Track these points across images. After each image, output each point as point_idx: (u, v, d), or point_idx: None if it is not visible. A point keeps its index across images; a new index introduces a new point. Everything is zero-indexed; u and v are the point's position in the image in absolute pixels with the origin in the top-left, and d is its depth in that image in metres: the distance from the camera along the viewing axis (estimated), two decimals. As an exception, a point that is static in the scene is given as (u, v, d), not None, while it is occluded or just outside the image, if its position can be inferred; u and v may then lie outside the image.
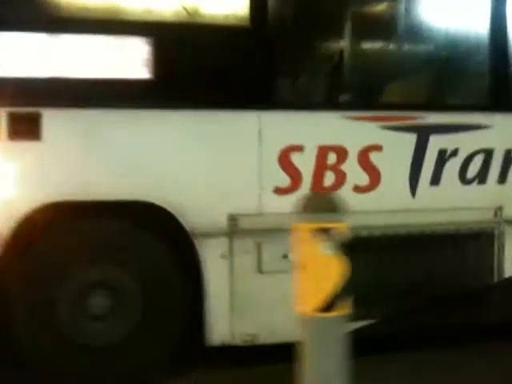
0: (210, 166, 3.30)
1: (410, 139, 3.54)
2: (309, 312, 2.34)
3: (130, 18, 3.26)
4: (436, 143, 3.58)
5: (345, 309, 2.36)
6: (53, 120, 3.08)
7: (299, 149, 3.39)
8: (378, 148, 3.47)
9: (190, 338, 3.36)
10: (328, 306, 2.30)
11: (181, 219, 3.23)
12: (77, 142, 3.12)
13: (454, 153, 3.62)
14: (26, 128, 3.04)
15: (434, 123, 3.57)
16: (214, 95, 3.29)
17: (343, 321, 2.38)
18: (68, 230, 3.17)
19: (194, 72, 3.28)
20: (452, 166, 3.63)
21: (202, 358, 3.44)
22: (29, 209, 3.03)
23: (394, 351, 3.67)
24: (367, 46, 3.63)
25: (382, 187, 3.50)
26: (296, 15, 3.46)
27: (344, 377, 2.39)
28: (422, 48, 3.88)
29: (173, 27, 3.30)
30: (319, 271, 2.30)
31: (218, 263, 3.31)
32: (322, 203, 2.46)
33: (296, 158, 3.38)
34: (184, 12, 3.26)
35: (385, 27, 3.66)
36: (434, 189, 3.61)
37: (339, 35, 3.53)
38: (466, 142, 3.65)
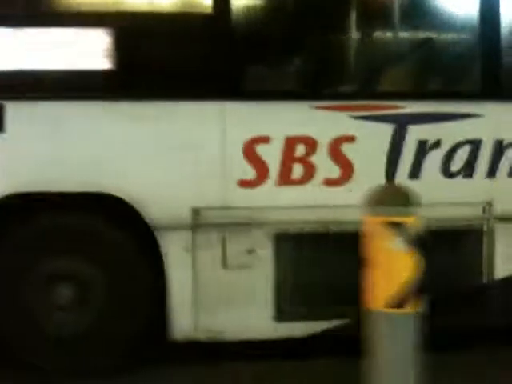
0: (173, 159, 3.25)
1: (386, 130, 3.36)
2: (379, 308, 2.27)
3: (89, 8, 3.27)
4: (415, 134, 3.39)
5: (417, 305, 2.28)
6: (15, 112, 3.13)
7: (265, 140, 3.28)
8: (350, 139, 3.33)
9: (154, 331, 3.34)
10: (400, 302, 2.24)
11: (142, 212, 3.19)
12: (39, 133, 3.16)
13: (436, 144, 3.42)
14: None
15: (411, 112, 3.38)
16: (177, 86, 3.24)
17: (416, 317, 2.30)
18: (30, 220, 3.23)
19: (155, 62, 3.25)
20: (434, 159, 3.43)
21: (167, 352, 3.42)
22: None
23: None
24: (336, 31, 3.45)
25: (354, 180, 3.36)
26: (260, 2, 3.37)
27: (415, 373, 2.32)
28: (401, 30, 3.61)
29: (133, 16, 3.28)
30: (391, 266, 2.24)
31: (181, 256, 3.26)
32: (393, 196, 2.37)
33: (261, 150, 3.27)
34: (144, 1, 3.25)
35: (356, 10, 3.48)
36: (413, 183, 3.41)
37: (305, 21, 3.38)
38: (451, 133, 3.44)
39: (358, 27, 3.39)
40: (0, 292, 3.22)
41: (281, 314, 3.34)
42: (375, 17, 3.48)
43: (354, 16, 3.36)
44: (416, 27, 3.60)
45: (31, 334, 3.25)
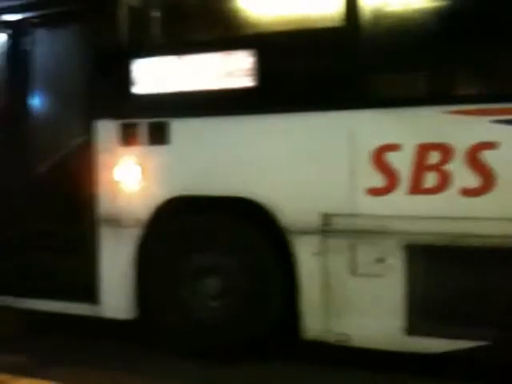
0: (305, 166, 3.39)
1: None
2: None
3: (234, 34, 3.66)
4: None
5: None
6: (178, 127, 3.66)
7: (395, 148, 3.20)
8: (490, 146, 3.01)
9: (287, 327, 3.54)
10: None
11: (277, 215, 3.44)
12: (195, 145, 3.63)
13: None
14: (159, 134, 3.72)
15: None
16: (307, 97, 3.38)
17: None
18: (186, 220, 3.74)
19: (287, 76, 3.42)
20: None
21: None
22: (161, 200, 3.70)
23: None
24: (471, 30, 3.12)
25: (496, 191, 3.04)
26: (387, 8, 3.26)
27: None
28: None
29: (267, 36, 3.52)
30: None
31: (311, 261, 3.39)
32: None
33: (392, 158, 3.21)
34: (280, 21, 3.46)
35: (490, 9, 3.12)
36: None
37: (436, 23, 3.15)
38: None
39: (495, 25, 3.06)
40: (156, 285, 3.82)
41: (411, 328, 3.21)
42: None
43: (489, 15, 3.04)
44: None
45: (181, 322, 3.77)
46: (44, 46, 4.14)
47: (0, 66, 4.25)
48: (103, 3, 3.86)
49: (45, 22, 4.10)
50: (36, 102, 4.23)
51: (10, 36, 4.22)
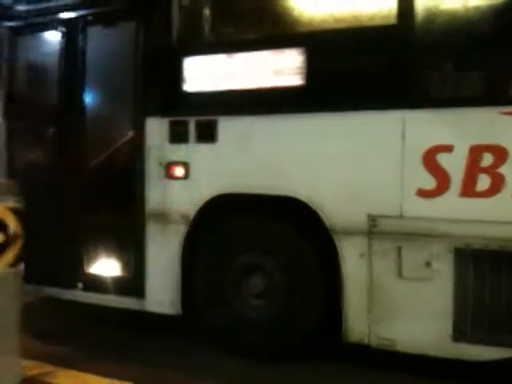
0: (352, 166, 3.36)
1: None
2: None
3: (284, 32, 3.63)
4: None
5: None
6: (225, 126, 3.68)
7: (447, 149, 3.12)
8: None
9: (329, 329, 3.51)
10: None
11: (322, 215, 3.41)
12: (242, 143, 3.64)
13: None
14: (206, 132, 3.75)
15: None
16: (357, 96, 3.33)
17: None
18: (232, 217, 3.75)
19: (337, 74, 3.38)
20: None
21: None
22: (207, 197, 3.73)
23: None
24: None
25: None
26: (442, 7, 3.17)
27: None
28: None
29: (321, 35, 3.48)
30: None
31: (357, 262, 3.35)
32: None
33: (443, 159, 3.13)
34: (331, 19, 3.42)
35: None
36: None
37: (490, 24, 3.06)
38: None
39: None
40: (201, 281, 3.85)
41: (459, 334, 3.14)
42: None
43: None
44: None
45: (224, 319, 3.79)
46: (97, 44, 4.21)
47: (54, 63, 4.37)
48: (156, 2, 3.92)
49: (98, 20, 4.18)
50: (88, 98, 4.30)
51: (63, 34, 4.33)
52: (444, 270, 3.16)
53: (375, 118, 3.30)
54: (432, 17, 3.19)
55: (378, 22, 3.32)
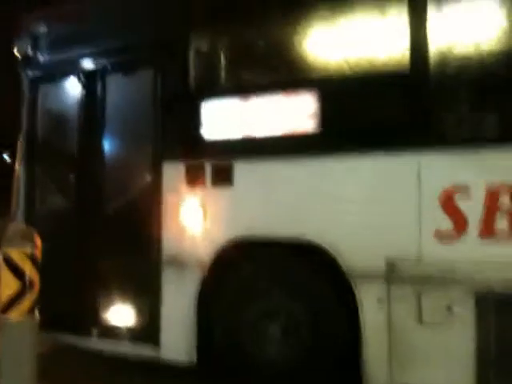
0: (369, 209, 3.33)
1: None
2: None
3: (298, 77, 3.66)
4: None
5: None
6: (241, 170, 3.70)
7: (464, 190, 3.09)
8: None
9: (351, 376, 3.40)
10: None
11: (339, 259, 3.36)
12: (258, 187, 3.64)
13: None
14: (222, 176, 3.76)
15: None
16: (372, 139, 3.33)
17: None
18: (248, 262, 3.70)
19: (351, 118, 3.40)
20: None
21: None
22: (223, 242, 3.71)
23: None
24: None
25: None
26: (453, 52, 3.19)
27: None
28: None
29: (335, 80, 3.53)
30: None
31: (375, 307, 3.28)
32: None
33: (460, 200, 3.10)
34: (345, 65, 3.46)
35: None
36: None
37: (501, 65, 3.08)
38: None
39: None
40: (217, 328, 3.79)
41: (481, 382, 3.02)
42: None
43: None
44: None
45: (241, 367, 3.72)
46: (115, 91, 4.31)
47: (73, 111, 4.47)
48: (174, 49, 4.00)
49: (117, 68, 4.29)
50: (107, 144, 4.38)
51: (83, 82, 4.44)
52: (465, 314, 3.08)
53: (391, 160, 3.29)
54: (445, 60, 3.21)
55: (392, 67, 3.34)
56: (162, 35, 4.07)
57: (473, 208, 3.09)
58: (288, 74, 3.72)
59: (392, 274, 3.24)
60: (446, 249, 3.14)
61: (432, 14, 3.27)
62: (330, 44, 3.62)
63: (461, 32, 3.24)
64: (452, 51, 3.22)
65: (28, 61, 4.69)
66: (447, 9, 3.28)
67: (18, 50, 4.70)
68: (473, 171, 3.10)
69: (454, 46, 3.22)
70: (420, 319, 3.18)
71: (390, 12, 3.41)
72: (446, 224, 3.14)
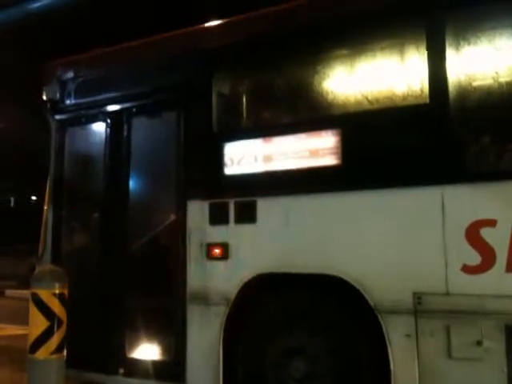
0: (396, 243, 3.33)
1: None
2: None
3: (318, 115, 3.77)
4: None
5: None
6: (264, 206, 3.74)
7: (490, 223, 3.09)
8: None
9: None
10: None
11: (366, 294, 3.35)
12: (280, 223, 3.67)
13: None
14: (246, 213, 3.81)
15: None
16: (396, 173, 3.36)
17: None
18: (273, 297, 3.71)
19: (373, 153, 3.44)
20: None
21: None
22: (248, 278, 3.73)
23: None
24: None
25: None
26: (474, 83, 3.25)
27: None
28: None
29: (355, 116, 3.61)
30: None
31: (403, 342, 3.24)
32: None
33: (487, 234, 3.09)
34: (364, 100, 3.54)
35: None
36: None
37: None
38: None
39: None
40: (243, 365, 3.76)
41: (514, 418, 2.96)
42: None
43: None
44: None
45: None
46: (140, 133, 4.42)
47: (100, 152, 4.58)
48: (196, 92, 4.11)
49: (142, 111, 4.41)
50: (132, 185, 4.47)
51: (109, 124, 4.56)
52: (496, 348, 3.03)
53: (415, 194, 3.30)
54: (465, 92, 3.28)
55: (411, 101, 3.41)
56: (185, 78, 4.21)
57: (499, 241, 3.08)
58: (308, 112, 3.82)
59: (420, 308, 3.21)
60: (474, 282, 3.11)
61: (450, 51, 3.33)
62: (350, 83, 3.72)
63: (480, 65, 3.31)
64: (472, 84, 3.29)
65: (56, 105, 4.84)
66: (464, 44, 3.36)
67: (47, 95, 4.87)
68: (498, 204, 3.11)
69: (475, 79, 3.29)
70: (450, 354, 3.13)
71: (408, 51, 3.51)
72: (473, 257, 3.12)
